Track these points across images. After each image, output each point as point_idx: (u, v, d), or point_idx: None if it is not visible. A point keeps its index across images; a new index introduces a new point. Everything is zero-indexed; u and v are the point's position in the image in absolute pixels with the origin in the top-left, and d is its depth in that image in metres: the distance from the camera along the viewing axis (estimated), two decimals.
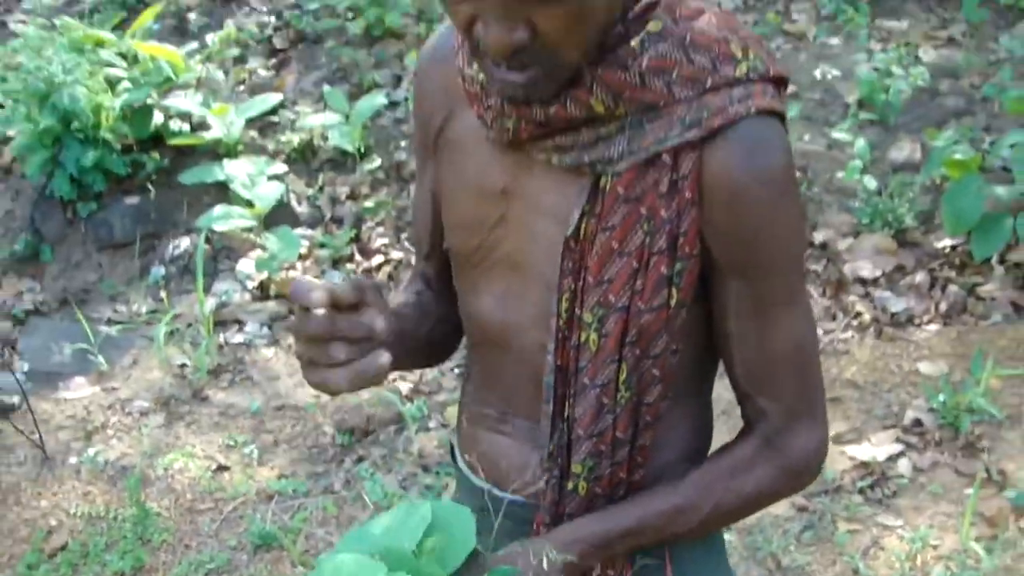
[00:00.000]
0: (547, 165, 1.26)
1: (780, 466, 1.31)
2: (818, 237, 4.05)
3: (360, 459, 3.42)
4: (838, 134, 4.39)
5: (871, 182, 4.12)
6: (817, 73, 4.80)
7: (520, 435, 1.41)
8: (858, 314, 3.82)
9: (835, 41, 5.05)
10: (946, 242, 4.01)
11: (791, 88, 4.69)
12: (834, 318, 3.83)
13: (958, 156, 3.95)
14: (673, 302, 1.23)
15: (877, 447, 3.29)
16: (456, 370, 3.62)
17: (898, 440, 3.32)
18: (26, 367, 3.74)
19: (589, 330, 1.25)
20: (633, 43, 1.18)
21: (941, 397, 3.35)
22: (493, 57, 1.14)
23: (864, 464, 3.24)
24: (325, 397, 3.59)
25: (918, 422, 3.34)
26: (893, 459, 3.26)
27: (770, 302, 1.26)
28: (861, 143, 4.25)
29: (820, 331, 3.75)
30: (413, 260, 1.62)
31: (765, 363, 1.29)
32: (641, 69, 1.17)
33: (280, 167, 4.29)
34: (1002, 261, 3.93)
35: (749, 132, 1.18)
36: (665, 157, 1.19)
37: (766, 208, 1.20)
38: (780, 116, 1.22)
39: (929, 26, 5.15)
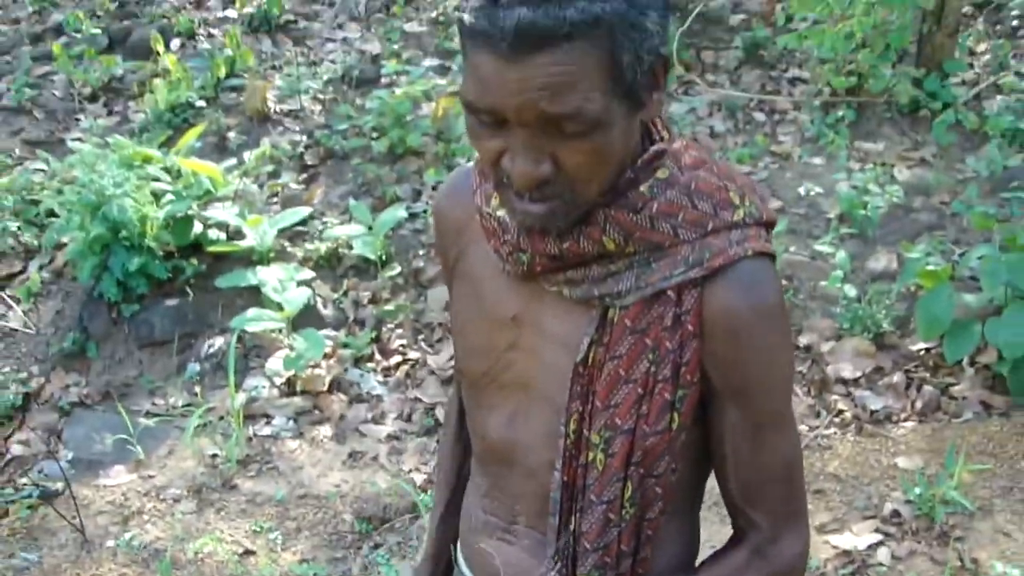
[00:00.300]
0: (558, 296, 1.28)
1: (770, 573, 1.32)
2: (803, 340, 4.04)
3: (377, 546, 3.39)
4: (821, 246, 4.41)
5: (851, 290, 4.13)
6: (801, 190, 4.83)
7: (525, 545, 1.40)
8: (840, 412, 3.81)
9: (818, 161, 5.10)
10: (920, 346, 4.00)
11: (778, 203, 4.80)
12: (818, 415, 3.81)
13: (930, 267, 3.95)
14: (675, 426, 1.24)
15: (858, 536, 3.27)
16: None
17: (877, 530, 3.30)
18: (70, 455, 3.71)
19: (596, 450, 1.26)
20: (643, 188, 1.21)
21: (917, 490, 3.34)
22: (518, 189, 1.17)
23: (846, 553, 3.22)
24: (345, 487, 3.58)
25: (896, 513, 3.32)
26: (873, 548, 3.23)
27: (763, 425, 1.28)
28: (842, 254, 4.28)
29: (804, 428, 3.73)
30: (452, 385, 1.67)
31: (758, 481, 1.31)
32: (651, 213, 1.21)
33: (308, 273, 4.28)
34: (972, 363, 3.91)
35: (746, 272, 1.21)
36: (670, 293, 1.21)
37: (762, 341, 1.23)
38: (771, 256, 1.25)
39: (903, 148, 5.22)
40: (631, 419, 1.24)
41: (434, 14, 6.51)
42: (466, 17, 1.11)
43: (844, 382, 3.92)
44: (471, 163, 1.43)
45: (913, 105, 5.41)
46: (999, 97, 5.51)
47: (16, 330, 4.28)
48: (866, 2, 5.35)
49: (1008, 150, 5.06)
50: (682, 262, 1.21)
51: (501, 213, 1.26)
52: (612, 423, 1.25)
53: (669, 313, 1.22)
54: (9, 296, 4.40)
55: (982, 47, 6.04)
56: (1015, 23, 6.26)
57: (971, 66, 5.83)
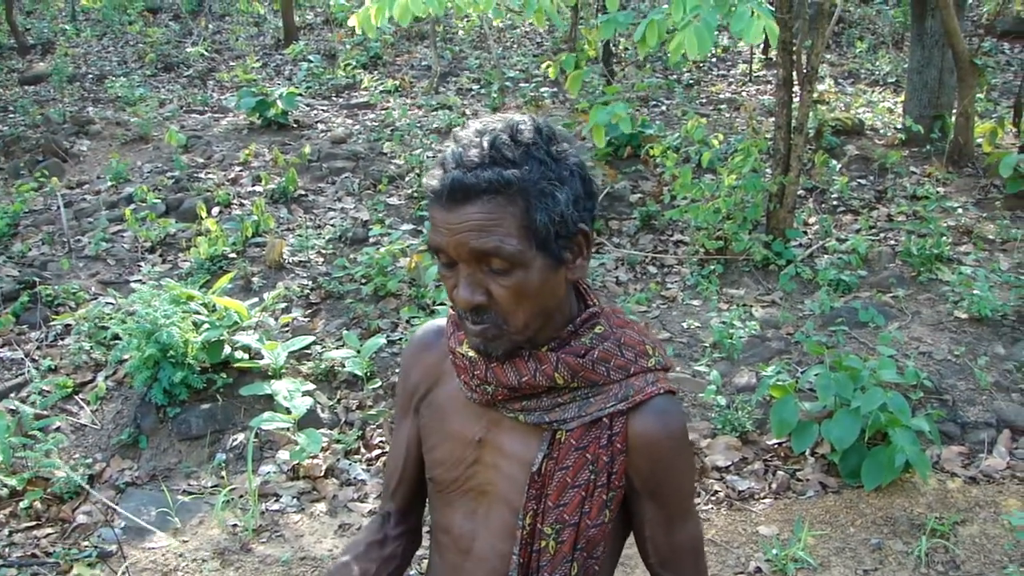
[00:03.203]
0: (515, 422, 1.27)
1: None
2: None
3: None
4: (699, 367, 4.44)
5: (722, 400, 4.14)
6: (684, 324, 4.87)
7: None
8: (715, 492, 3.78)
9: (696, 303, 5.15)
10: (774, 441, 3.99)
11: (667, 335, 4.89)
12: (699, 495, 3.77)
13: (780, 382, 3.98)
14: (607, 519, 1.25)
15: None
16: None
17: None
18: (122, 524, 3.64)
19: (548, 539, 1.25)
20: (584, 339, 1.24)
21: (774, 551, 3.34)
22: (459, 309, 1.20)
23: None
24: (337, 551, 3.48)
25: (759, 569, 3.30)
26: None
27: (674, 516, 1.30)
28: (715, 373, 4.30)
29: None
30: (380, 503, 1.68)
31: (673, 556, 1.32)
32: (593, 358, 1.22)
33: (310, 386, 4.24)
34: (813, 454, 3.92)
35: (659, 405, 1.23)
36: (604, 420, 1.23)
37: (672, 456, 1.24)
38: (675, 393, 1.28)
39: (758, 293, 5.29)
40: (576, 515, 1.24)
41: (410, 191, 6.63)
42: (427, 181, 1.17)
43: (718, 469, 3.91)
44: (438, 320, 1.44)
45: (765, 261, 5.52)
46: (826, 256, 5.65)
47: (85, 425, 4.19)
48: (729, 186, 5.55)
49: (834, 295, 5.15)
50: (613, 397, 1.23)
51: (471, 354, 1.27)
52: (561, 518, 1.24)
53: (604, 435, 1.23)
54: (81, 399, 4.32)
55: (812, 220, 6.24)
56: (835, 203, 6.50)
57: (805, 233, 5.99)
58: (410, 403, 1.43)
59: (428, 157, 6.94)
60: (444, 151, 1.18)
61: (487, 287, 1.17)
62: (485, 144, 1.14)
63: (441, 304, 4.85)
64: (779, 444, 4.02)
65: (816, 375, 3.92)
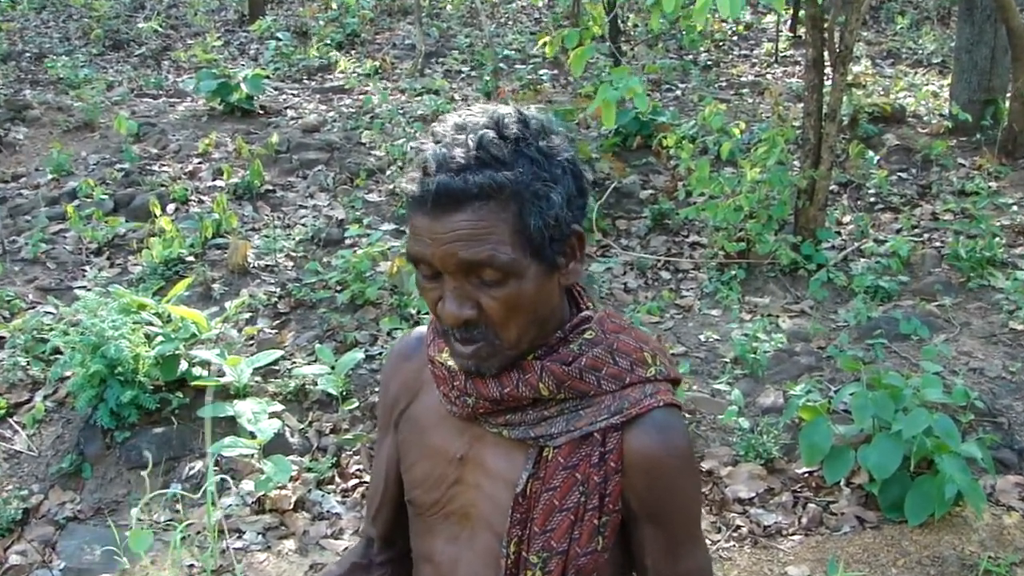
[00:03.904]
0: (498, 437, 1.29)
1: None
2: (705, 466, 4.01)
3: None
4: (719, 385, 4.44)
5: (745, 422, 4.14)
6: (702, 337, 4.88)
7: None
8: (738, 527, 3.76)
9: (715, 312, 5.18)
10: (804, 469, 3.98)
11: (682, 349, 4.88)
12: (719, 531, 3.76)
13: (810, 403, 3.96)
14: (600, 547, 1.26)
15: None
16: None
17: None
18: (62, 565, 3.60)
19: (535, 569, 1.26)
20: (573, 346, 1.25)
21: None
22: (446, 327, 1.22)
23: None
24: None
25: None
26: None
27: (678, 543, 1.30)
28: (736, 392, 4.30)
29: (707, 542, 3.65)
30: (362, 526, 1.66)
31: None
32: (580, 366, 1.24)
33: (278, 407, 4.23)
34: (848, 484, 3.90)
35: (659, 419, 1.25)
36: (596, 435, 1.24)
37: (673, 476, 1.26)
38: (679, 406, 1.29)
39: (785, 301, 5.31)
40: (565, 542, 1.25)
41: (391, 186, 6.64)
42: (405, 185, 1.18)
43: (741, 501, 3.90)
44: (420, 328, 1.47)
45: (793, 266, 5.54)
46: (862, 260, 5.67)
47: (20, 452, 4.16)
48: (752, 181, 5.56)
49: (871, 303, 5.17)
50: (605, 410, 1.24)
51: (451, 363, 1.28)
52: (548, 545, 1.25)
53: (596, 452, 1.24)
54: (16, 422, 4.29)
55: (847, 218, 6.26)
56: (872, 199, 6.52)
57: (839, 234, 6.01)
58: (390, 418, 1.46)
59: (412, 148, 6.95)
60: (422, 150, 1.19)
61: (476, 299, 1.19)
62: (471, 143, 1.16)
63: (428, 314, 4.84)
64: (810, 473, 4.02)
65: (852, 394, 3.91)
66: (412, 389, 1.42)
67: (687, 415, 4.22)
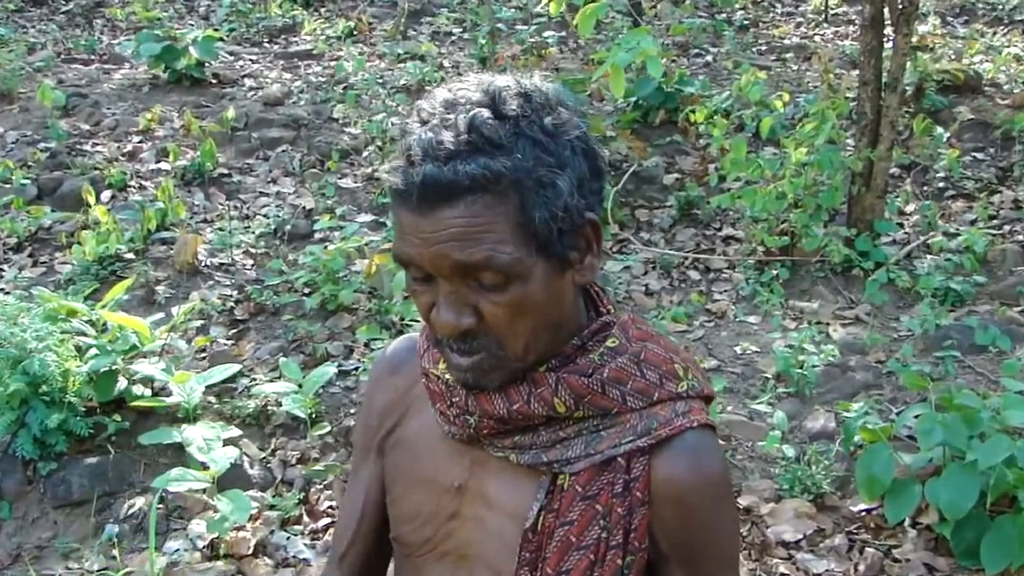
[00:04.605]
0: (504, 463, 1.30)
1: None
2: (742, 502, 4.00)
3: None
4: (758, 405, 4.45)
5: (790, 450, 4.13)
6: (737, 349, 4.90)
7: None
8: (782, 575, 3.76)
9: (753, 319, 5.20)
10: (861, 506, 3.96)
11: (714, 362, 4.85)
12: None
13: (868, 426, 3.95)
14: None
15: None
16: None
17: None
18: None
19: None
20: (593, 355, 1.27)
21: None
22: (441, 338, 1.24)
23: None
24: None
25: None
26: None
27: None
28: (779, 414, 4.29)
29: None
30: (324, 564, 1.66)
31: None
32: (602, 378, 1.25)
33: (235, 431, 4.20)
34: (914, 524, 3.89)
35: (691, 442, 1.26)
36: (619, 460, 1.25)
37: (709, 508, 1.26)
38: (714, 428, 1.30)
39: (837, 306, 5.33)
40: None
41: (368, 169, 6.63)
42: (385, 176, 1.19)
43: (785, 545, 3.88)
44: (412, 334, 1.48)
45: (846, 264, 5.55)
46: (929, 257, 5.69)
47: None
48: (796, 163, 5.55)
49: (940, 308, 5.17)
50: (630, 431, 1.25)
51: (448, 376, 1.30)
52: None
53: (619, 480, 1.25)
54: None
55: (911, 208, 6.26)
56: (941, 184, 6.52)
57: (901, 226, 6.03)
58: (373, 440, 1.47)
59: (393, 125, 6.95)
60: (407, 133, 1.20)
61: (476, 305, 1.20)
62: (461, 124, 1.16)
63: (413, 321, 4.85)
64: (868, 511, 4.01)
65: (917, 417, 3.89)
66: (401, 406, 1.44)
67: (721, 442, 4.21)
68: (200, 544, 3.93)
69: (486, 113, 1.17)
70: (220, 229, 5.84)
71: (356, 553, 1.51)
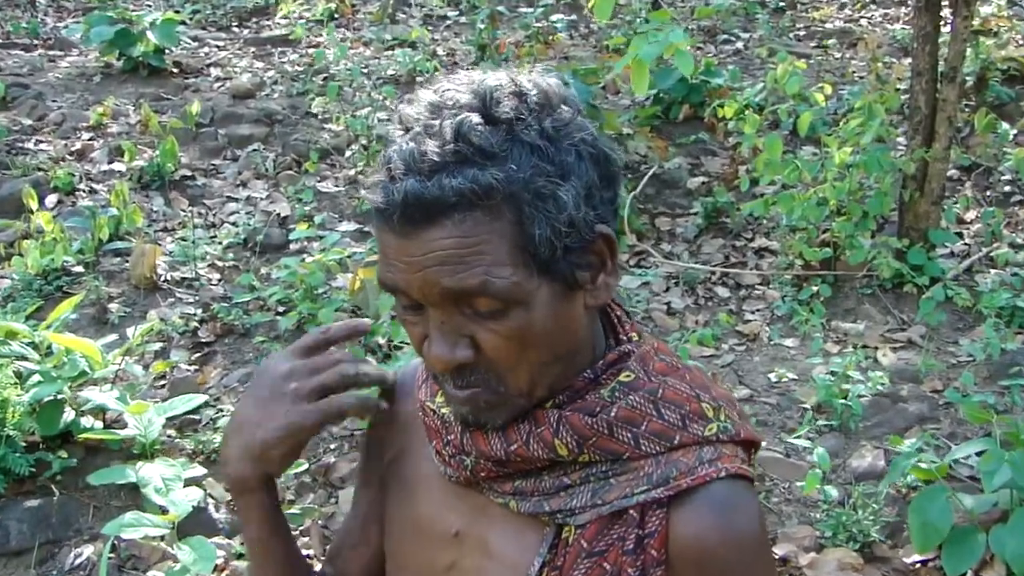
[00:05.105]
0: (505, 510, 1.31)
1: None
2: (778, 551, 3.97)
3: None
4: (796, 440, 4.42)
5: (833, 492, 4.11)
6: (772, 376, 4.89)
7: None
8: None
9: (790, 343, 5.20)
10: (915, 558, 3.92)
11: (746, 391, 4.84)
12: None
13: (923, 465, 3.92)
14: None
15: None
16: None
17: None
18: None
19: None
20: (604, 391, 1.26)
21: None
22: (435, 373, 1.25)
23: None
24: None
25: None
26: None
27: None
28: (820, 450, 4.22)
29: None
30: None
31: None
32: (610, 418, 1.25)
33: (198, 470, 4.20)
34: None
35: (719, 496, 1.23)
36: (632, 512, 1.24)
37: (738, 573, 1.23)
38: (749, 479, 1.27)
39: (886, 328, 5.32)
40: None
41: (352, 172, 6.64)
42: (365, 193, 1.20)
43: None
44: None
45: (896, 280, 5.54)
46: (993, 271, 5.69)
47: None
48: (840, 165, 5.55)
49: (1006, 331, 5.15)
50: (644, 479, 1.24)
51: (446, 410, 1.31)
52: None
53: (631, 535, 1.24)
54: None
55: (971, 215, 6.25)
56: (1007, 188, 6.51)
57: (960, 236, 6.03)
58: (374, 473, 1.50)
59: (379, 121, 6.96)
60: (389, 143, 1.20)
61: (473, 335, 1.20)
62: (447, 132, 1.16)
63: (403, 343, 4.84)
64: (923, 563, 3.98)
65: (980, 455, 3.90)
66: (401, 439, 1.47)
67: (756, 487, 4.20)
68: None
69: (475, 118, 1.16)
70: (182, 239, 5.85)
71: (358, 554, 1.55)
